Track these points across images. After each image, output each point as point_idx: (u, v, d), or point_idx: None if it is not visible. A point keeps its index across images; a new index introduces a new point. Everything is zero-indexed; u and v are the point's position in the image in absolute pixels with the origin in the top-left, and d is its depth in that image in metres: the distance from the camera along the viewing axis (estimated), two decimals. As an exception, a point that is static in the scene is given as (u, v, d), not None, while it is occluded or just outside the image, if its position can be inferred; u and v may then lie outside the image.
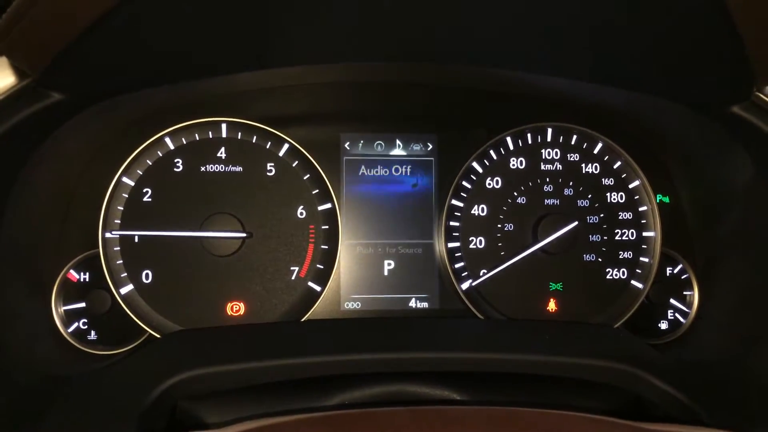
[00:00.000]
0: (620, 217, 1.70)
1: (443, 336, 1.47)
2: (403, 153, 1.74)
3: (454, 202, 1.68)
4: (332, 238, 1.65)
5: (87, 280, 1.58)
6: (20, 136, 1.19)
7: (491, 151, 1.70)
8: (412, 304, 1.71)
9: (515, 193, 1.69)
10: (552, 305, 1.67)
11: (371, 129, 1.74)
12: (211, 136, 1.63)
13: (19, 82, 1.13)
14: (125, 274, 1.58)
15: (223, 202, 1.61)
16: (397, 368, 1.28)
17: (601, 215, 1.70)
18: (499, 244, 1.68)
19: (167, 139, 1.61)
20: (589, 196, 1.70)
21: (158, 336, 1.55)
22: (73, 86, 1.22)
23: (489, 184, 1.69)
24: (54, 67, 1.11)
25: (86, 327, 1.57)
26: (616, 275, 1.69)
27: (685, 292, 1.72)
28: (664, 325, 1.72)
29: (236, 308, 1.60)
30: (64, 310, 1.56)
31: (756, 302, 1.50)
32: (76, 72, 1.19)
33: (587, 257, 1.69)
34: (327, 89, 1.66)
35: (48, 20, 1.00)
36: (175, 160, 1.61)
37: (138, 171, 1.59)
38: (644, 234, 1.70)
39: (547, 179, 1.70)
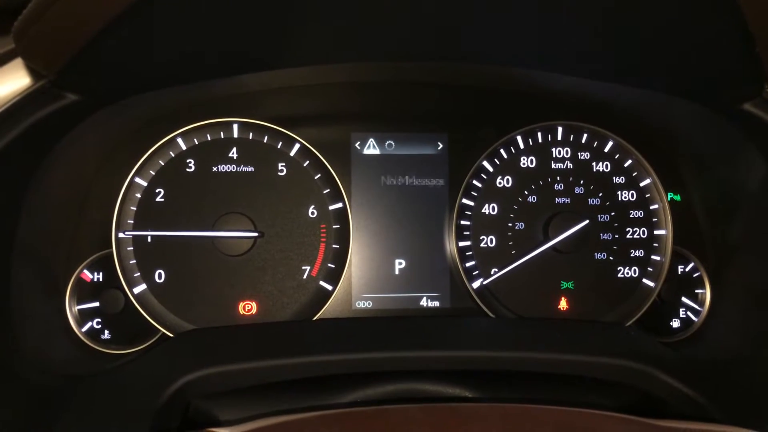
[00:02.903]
0: (631, 216, 1.70)
1: (454, 335, 1.47)
2: (414, 152, 1.74)
3: (464, 201, 1.69)
4: (343, 237, 1.66)
5: (100, 279, 1.59)
6: (35, 136, 1.20)
7: (502, 150, 1.70)
8: (423, 302, 1.71)
9: (526, 192, 1.69)
10: (563, 304, 1.67)
11: (382, 128, 1.74)
12: (222, 137, 1.64)
13: (34, 83, 1.15)
14: (138, 273, 1.59)
15: (234, 202, 1.62)
16: (408, 367, 1.29)
17: (612, 213, 1.70)
18: (510, 243, 1.68)
19: (179, 140, 1.62)
20: (600, 194, 1.70)
21: (171, 335, 1.56)
22: (88, 87, 1.23)
23: (500, 182, 1.70)
24: (69, 69, 1.12)
25: (100, 326, 1.59)
26: (627, 273, 1.69)
27: (696, 291, 1.72)
28: (675, 324, 1.72)
29: (248, 307, 1.61)
30: (78, 310, 1.57)
31: (767, 299, 1.50)
32: (90, 73, 1.20)
33: (598, 255, 1.69)
34: (337, 89, 1.67)
35: (64, 23, 1.01)
36: (188, 161, 1.62)
37: (150, 171, 1.60)
38: (655, 232, 1.70)
39: (558, 178, 1.70)
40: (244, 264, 1.62)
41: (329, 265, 1.66)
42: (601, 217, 1.69)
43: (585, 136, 1.72)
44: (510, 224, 1.69)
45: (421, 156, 1.74)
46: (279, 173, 1.65)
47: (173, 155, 1.62)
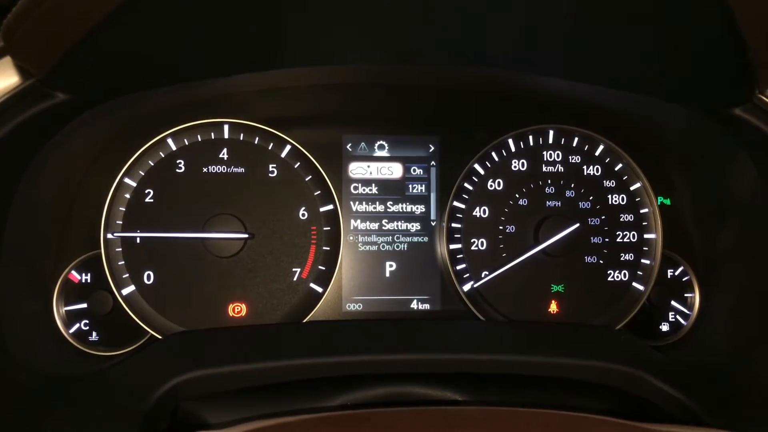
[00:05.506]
0: (621, 219, 1.71)
1: (445, 337, 1.47)
2: (406, 154, 1.73)
3: (455, 203, 1.68)
4: (334, 239, 1.65)
5: (88, 280, 1.58)
6: (24, 136, 1.19)
7: (493, 153, 1.70)
8: (414, 305, 1.71)
9: (517, 195, 1.69)
10: (553, 307, 1.67)
11: (373, 130, 1.73)
12: (213, 137, 1.63)
13: (23, 81, 1.13)
14: (127, 275, 1.57)
15: (225, 203, 1.61)
16: (398, 370, 1.28)
17: (603, 217, 1.70)
18: (501, 246, 1.68)
19: (169, 140, 1.61)
20: (591, 198, 1.70)
21: (160, 337, 1.55)
22: (77, 86, 1.22)
23: (491, 185, 1.70)
24: (58, 68, 1.11)
25: (88, 328, 1.57)
26: (617, 277, 1.70)
27: (686, 294, 1.72)
28: (665, 327, 1.72)
29: (238, 309, 1.60)
30: (66, 311, 1.56)
31: (756, 304, 1.51)
32: (80, 72, 1.19)
33: (588, 259, 1.69)
34: (329, 91, 1.67)
35: (53, 21, 1.00)
36: (177, 161, 1.61)
37: (140, 172, 1.59)
38: (645, 236, 1.70)
39: (549, 181, 1.70)
40: (234, 265, 1.61)
41: (319, 267, 1.65)
42: (591, 221, 1.70)
43: (576, 139, 1.72)
44: (501, 227, 1.69)
45: (412, 158, 1.73)
46: (270, 174, 1.64)
47: (163, 156, 1.61)
